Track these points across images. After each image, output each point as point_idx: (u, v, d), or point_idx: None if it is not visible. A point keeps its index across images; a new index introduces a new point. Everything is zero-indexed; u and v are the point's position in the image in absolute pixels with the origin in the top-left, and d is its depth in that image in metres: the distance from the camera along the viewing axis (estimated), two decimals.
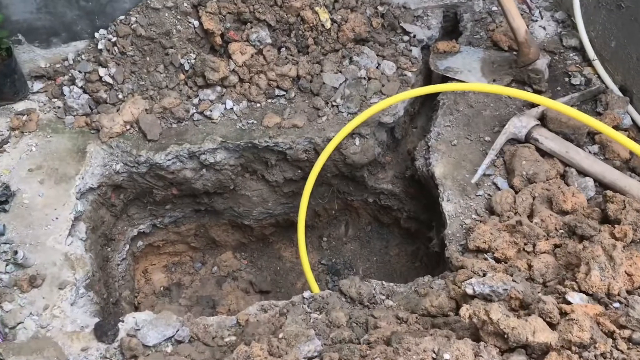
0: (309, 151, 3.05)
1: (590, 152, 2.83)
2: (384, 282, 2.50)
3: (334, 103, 3.09)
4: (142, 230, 3.32)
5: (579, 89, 3.13)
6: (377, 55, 3.25)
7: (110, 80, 3.11)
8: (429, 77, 3.40)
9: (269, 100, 3.16)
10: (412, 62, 3.25)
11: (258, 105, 3.14)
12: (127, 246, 3.25)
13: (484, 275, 2.30)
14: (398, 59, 3.25)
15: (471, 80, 3.18)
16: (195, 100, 3.14)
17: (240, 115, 3.10)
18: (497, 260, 2.37)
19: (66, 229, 2.70)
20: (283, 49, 3.19)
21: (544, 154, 2.81)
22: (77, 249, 2.69)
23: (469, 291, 2.07)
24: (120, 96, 3.12)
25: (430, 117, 3.41)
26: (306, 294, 2.47)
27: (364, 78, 3.17)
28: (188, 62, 3.13)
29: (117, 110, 3.08)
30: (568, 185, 2.67)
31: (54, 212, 2.73)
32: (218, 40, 3.12)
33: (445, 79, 3.27)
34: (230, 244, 3.58)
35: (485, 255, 2.40)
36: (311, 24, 3.15)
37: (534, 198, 2.61)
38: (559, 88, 3.15)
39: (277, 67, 3.12)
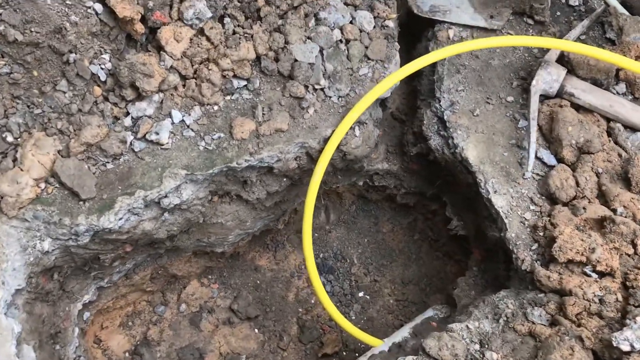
0: (300, 157, 2.32)
1: (617, 92, 2.47)
2: (468, 325, 2.04)
3: (317, 86, 2.32)
4: (86, 301, 2.44)
5: (579, 11, 2.68)
6: (346, 4, 2.47)
7: None
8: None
9: (229, 98, 2.29)
10: (389, 5, 2.53)
11: (216, 108, 2.27)
12: (77, 329, 2.38)
13: (601, 301, 1.94)
14: (373, 4, 2.50)
15: (464, 19, 2.57)
16: (127, 122, 2.19)
17: (198, 129, 2.23)
18: (601, 275, 2.00)
19: None
20: (227, 20, 2.28)
21: (578, 107, 2.40)
22: None
23: (625, 348, 1.70)
24: (9, 139, 2.06)
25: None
26: None
27: (341, 41, 2.42)
28: (102, 69, 2.12)
29: (14, 163, 2.05)
30: (619, 145, 2.32)
31: None
32: (139, 28, 2.11)
33: (428, 21, 2.63)
34: (194, 272, 2.82)
35: (585, 270, 2.02)
36: None
37: (597, 175, 2.23)
38: (558, 13, 2.67)
39: (230, 50, 2.23)
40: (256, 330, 2.84)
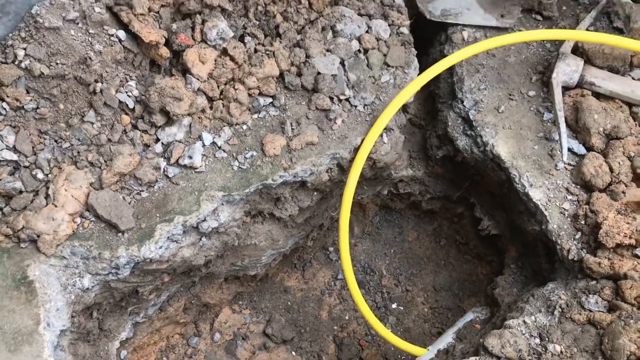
0: (332, 169, 2.30)
1: (633, 78, 2.51)
2: (525, 319, 2.01)
3: (342, 97, 2.31)
4: (123, 339, 2.35)
5: (584, 3, 2.73)
6: (360, 15, 2.48)
7: (12, 156, 1.96)
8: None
9: (256, 116, 2.27)
10: (401, 12, 2.54)
11: (245, 127, 2.24)
12: None
13: None
14: (386, 13, 2.51)
15: (476, 20, 2.60)
16: (158, 148, 2.14)
17: (230, 149, 2.19)
18: None
19: None
20: (248, 39, 2.27)
21: (597, 95, 2.43)
22: None
23: None
24: (40, 176, 2.00)
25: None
26: None
27: (360, 51, 2.42)
28: (130, 96, 2.08)
29: (47, 200, 1.98)
30: None
31: None
32: (164, 52, 2.08)
33: (439, 25, 2.65)
34: (225, 299, 2.74)
35: (636, 252, 2.02)
36: None
37: (629, 159, 2.25)
38: (564, 8, 2.71)
39: (255, 69, 2.21)
40: (293, 353, 2.77)
